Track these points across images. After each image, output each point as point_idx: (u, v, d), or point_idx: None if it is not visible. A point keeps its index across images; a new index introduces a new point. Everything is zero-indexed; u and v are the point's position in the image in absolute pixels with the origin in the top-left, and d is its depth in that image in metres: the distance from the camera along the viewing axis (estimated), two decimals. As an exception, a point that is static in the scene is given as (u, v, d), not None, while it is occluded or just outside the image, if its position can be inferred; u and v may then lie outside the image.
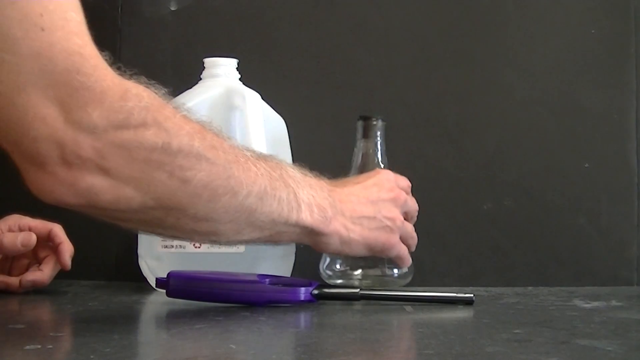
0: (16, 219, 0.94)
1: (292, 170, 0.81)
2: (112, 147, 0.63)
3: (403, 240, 0.91)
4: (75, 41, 0.61)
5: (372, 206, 0.88)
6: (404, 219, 0.92)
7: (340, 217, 0.84)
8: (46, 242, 0.95)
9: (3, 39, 0.58)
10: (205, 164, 0.68)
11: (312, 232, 0.81)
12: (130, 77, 0.65)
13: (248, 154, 0.75)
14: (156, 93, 0.67)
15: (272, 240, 0.80)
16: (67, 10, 0.61)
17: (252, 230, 0.76)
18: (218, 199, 0.70)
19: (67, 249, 0.94)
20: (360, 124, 1.02)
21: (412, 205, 0.94)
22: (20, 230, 0.93)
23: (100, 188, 0.63)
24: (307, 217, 0.80)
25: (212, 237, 0.75)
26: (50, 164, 0.61)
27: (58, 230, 0.95)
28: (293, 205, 0.78)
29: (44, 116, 0.60)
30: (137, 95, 0.64)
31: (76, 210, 0.66)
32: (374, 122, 1.01)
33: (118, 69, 0.65)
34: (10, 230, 0.94)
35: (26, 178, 0.63)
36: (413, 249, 0.94)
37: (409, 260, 0.93)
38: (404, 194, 0.91)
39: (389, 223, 0.88)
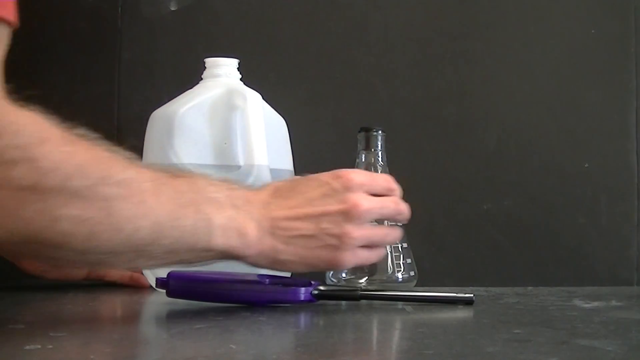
0: None
1: (215, 190, 0.76)
2: None
3: (373, 245, 0.83)
4: None
5: (313, 223, 0.80)
6: (382, 222, 0.87)
7: (268, 238, 0.78)
8: None
9: None
10: (80, 202, 0.65)
11: (230, 255, 0.77)
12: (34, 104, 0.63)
13: (150, 183, 0.71)
14: (53, 123, 0.65)
15: (182, 263, 0.77)
16: None
17: (148, 260, 0.73)
18: (96, 237, 0.67)
19: None
20: (361, 135, 1.02)
21: (384, 211, 0.83)
22: None
23: None
24: (221, 241, 0.75)
25: (106, 266, 0.74)
26: None
27: None
28: (202, 232, 0.74)
29: None
30: (16, 132, 0.63)
31: None
32: (375, 133, 1.01)
33: (27, 96, 0.63)
34: None
35: None
36: (389, 243, 0.91)
37: (377, 258, 0.85)
38: (362, 204, 0.80)
39: (333, 241, 0.79)
